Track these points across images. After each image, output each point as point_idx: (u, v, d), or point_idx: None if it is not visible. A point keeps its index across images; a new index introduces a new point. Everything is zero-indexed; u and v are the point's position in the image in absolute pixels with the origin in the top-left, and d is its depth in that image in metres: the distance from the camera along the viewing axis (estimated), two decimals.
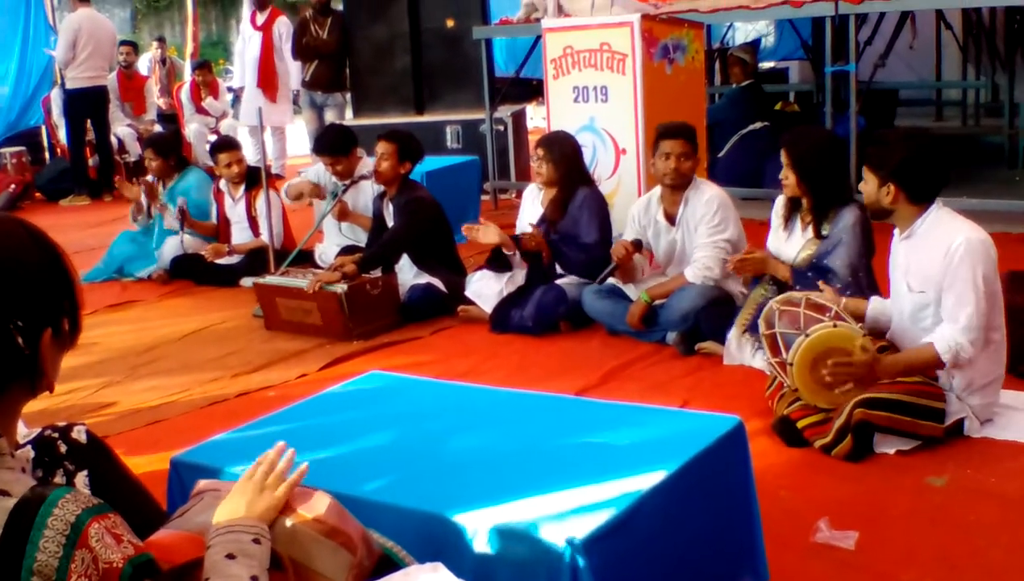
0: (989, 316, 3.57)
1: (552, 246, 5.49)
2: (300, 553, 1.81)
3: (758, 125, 8.41)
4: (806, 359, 3.60)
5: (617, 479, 2.31)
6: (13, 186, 11.13)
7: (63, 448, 2.10)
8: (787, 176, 4.43)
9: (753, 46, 10.17)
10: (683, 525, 2.41)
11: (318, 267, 6.15)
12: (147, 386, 4.96)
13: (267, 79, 10.90)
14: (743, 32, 15.13)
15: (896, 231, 3.81)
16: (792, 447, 3.69)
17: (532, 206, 5.78)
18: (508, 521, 2.18)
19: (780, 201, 4.64)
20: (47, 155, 12.41)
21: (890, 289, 3.93)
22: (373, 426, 2.82)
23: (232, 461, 2.57)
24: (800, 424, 3.69)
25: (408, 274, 5.90)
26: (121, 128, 11.71)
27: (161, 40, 14.35)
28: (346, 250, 6.18)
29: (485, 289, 5.65)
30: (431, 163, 7.20)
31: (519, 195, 8.65)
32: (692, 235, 5.05)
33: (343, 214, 6.42)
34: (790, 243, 4.53)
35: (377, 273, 5.69)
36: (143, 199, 7.37)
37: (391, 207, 5.92)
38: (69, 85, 10.79)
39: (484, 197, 8.76)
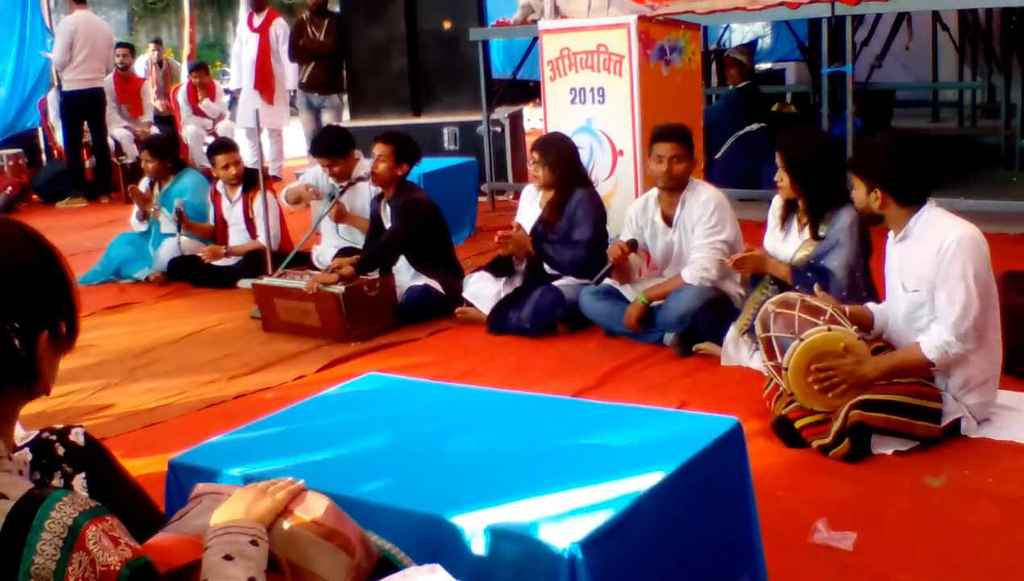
0: (983, 314, 3.57)
1: (540, 249, 5.48)
2: (298, 555, 1.81)
3: (755, 126, 8.42)
4: (801, 363, 3.60)
5: (615, 480, 2.30)
6: (10, 188, 11.12)
7: (61, 450, 2.10)
8: (782, 178, 4.43)
9: (750, 47, 10.17)
10: (681, 526, 2.41)
11: (315, 269, 6.14)
12: (145, 388, 4.96)
13: (264, 81, 10.90)
14: (740, 33, 15.13)
15: (891, 233, 3.82)
16: (790, 448, 3.69)
17: (530, 208, 5.79)
18: (506, 522, 2.18)
19: (777, 201, 4.64)
20: (44, 157, 12.39)
21: (886, 291, 3.93)
22: (371, 428, 2.82)
23: (230, 463, 2.57)
24: (798, 425, 3.69)
25: (406, 276, 5.90)
26: (118, 130, 11.70)
27: (158, 42, 14.34)
28: (343, 252, 6.18)
29: (483, 290, 5.65)
30: (428, 165, 7.20)
31: (516, 196, 8.64)
32: (689, 236, 5.05)
33: (340, 216, 6.42)
34: (786, 244, 4.54)
35: (375, 275, 5.69)
36: (135, 212, 7.39)
37: (388, 209, 5.92)
38: (66, 87, 10.79)
39: (481, 198, 8.76)
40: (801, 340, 3.61)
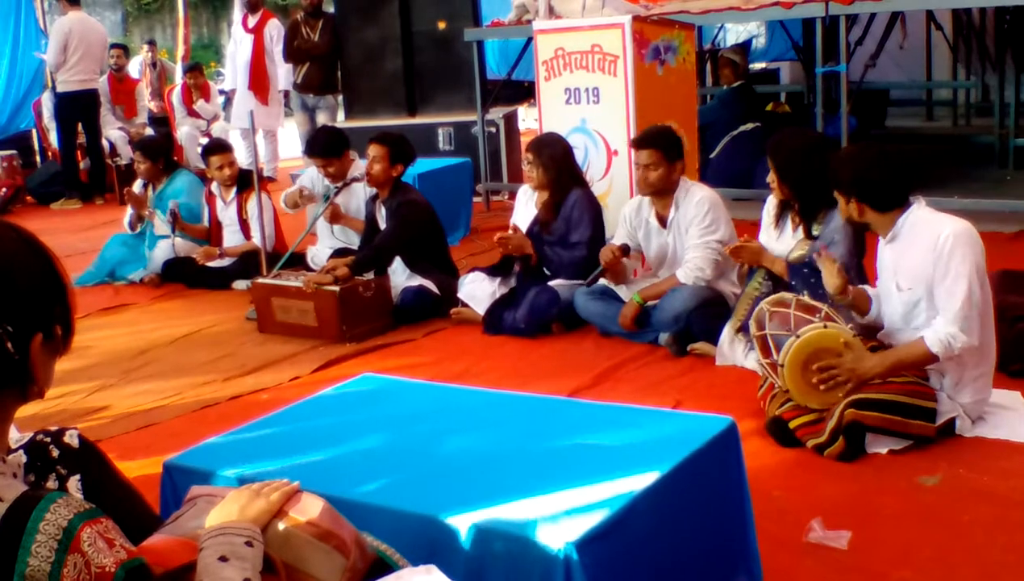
0: (980, 307, 3.57)
1: (544, 251, 5.50)
2: (293, 556, 1.81)
3: (749, 126, 8.42)
4: (797, 360, 3.60)
5: (610, 480, 2.31)
6: (4, 190, 11.11)
7: (55, 452, 2.10)
8: (773, 179, 4.44)
9: (744, 47, 10.20)
10: (676, 526, 2.41)
11: (310, 270, 6.14)
12: (140, 390, 4.95)
13: (258, 82, 10.89)
14: (734, 33, 15.17)
15: (880, 237, 3.82)
16: (785, 447, 3.69)
17: (525, 208, 5.79)
18: (501, 523, 2.18)
19: (771, 201, 4.65)
20: (38, 158, 12.40)
21: (880, 292, 3.93)
22: (366, 429, 2.82)
23: (225, 464, 2.57)
24: (792, 424, 3.70)
25: (401, 276, 5.90)
26: (112, 131, 11.69)
27: (152, 43, 14.32)
28: (338, 253, 6.18)
29: (478, 291, 5.66)
30: (423, 165, 7.20)
31: (511, 197, 8.64)
32: (684, 237, 5.05)
33: (335, 217, 6.42)
34: (781, 242, 4.54)
35: (370, 276, 5.69)
36: (128, 213, 7.38)
37: (383, 209, 5.92)
38: (60, 88, 10.78)
39: (476, 199, 8.76)
40: (797, 337, 3.62)
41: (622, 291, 5.26)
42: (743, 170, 8.07)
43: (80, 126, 11.07)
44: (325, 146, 6.34)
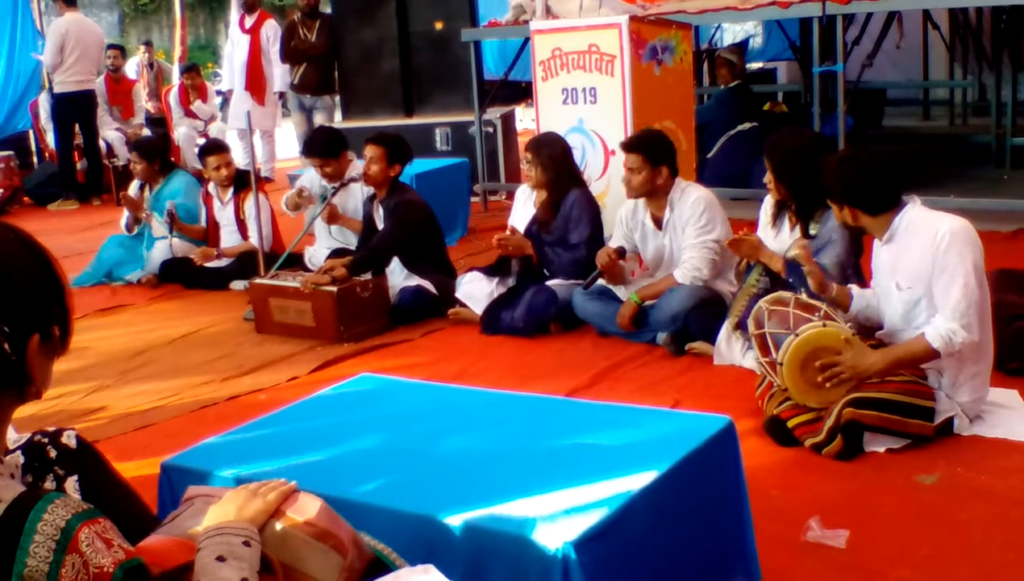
0: (978, 304, 3.57)
1: (542, 251, 5.50)
2: (290, 556, 1.81)
3: (746, 126, 8.43)
4: (796, 358, 3.61)
5: (608, 480, 2.31)
6: (1, 191, 11.10)
7: (53, 453, 2.10)
8: (771, 180, 4.45)
9: (741, 47, 10.20)
10: (674, 525, 2.41)
11: (308, 270, 6.14)
12: (137, 390, 4.95)
13: (255, 82, 10.88)
14: (731, 33, 15.17)
15: (876, 238, 3.83)
16: (783, 446, 3.69)
17: (524, 208, 5.79)
18: (499, 523, 2.18)
19: (768, 201, 4.65)
20: (35, 159, 12.38)
21: (878, 292, 3.94)
22: (364, 429, 2.82)
23: (223, 465, 2.56)
24: (790, 423, 3.70)
25: (398, 277, 5.90)
26: (109, 132, 11.69)
27: (149, 44, 14.33)
28: (336, 253, 6.17)
29: (476, 290, 5.66)
30: (420, 165, 7.19)
31: (509, 197, 8.65)
32: (680, 238, 5.05)
33: (332, 217, 6.42)
34: (778, 242, 4.54)
35: (367, 276, 5.69)
36: (125, 215, 7.38)
37: (381, 210, 5.92)
38: (57, 89, 10.77)
39: (474, 199, 8.76)
40: (796, 335, 3.62)
41: (620, 291, 5.26)
42: (740, 170, 8.09)
43: (77, 127, 11.05)
44: (323, 146, 6.34)
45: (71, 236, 9.10)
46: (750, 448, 3.44)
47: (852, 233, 4.31)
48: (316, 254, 6.56)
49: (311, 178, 6.72)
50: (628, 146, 5.09)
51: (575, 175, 5.67)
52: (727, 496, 2.65)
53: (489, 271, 5.75)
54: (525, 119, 13.04)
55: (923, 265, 3.59)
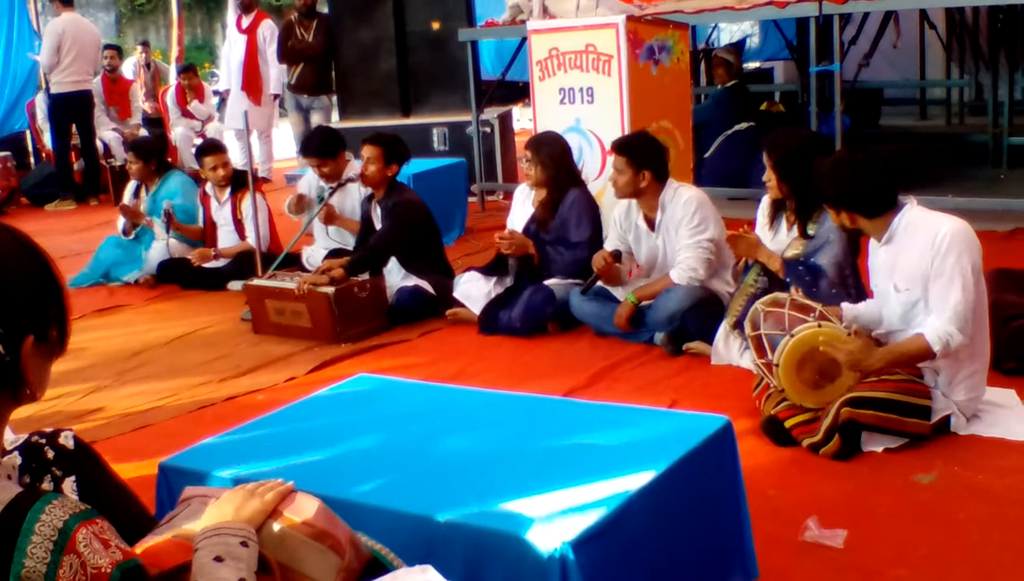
0: (975, 305, 3.58)
1: (541, 250, 5.50)
2: (288, 556, 1.81)
3: (743, 125, 8.43)
4: (792, 360, 3.61)
5: (606, 480, 2.31)
6: None
7: (50, 454, 2.09)
8: (770, 178, 4.44)
9: (738, 47, 10.19)
10: (672, 525, 2.41)
11: (305, 270, 6.13)
12: (135, 391, 4.94)
13: (252, 83, 10.87)
14: (728, 33, 15.18)
15: (873, 239, 3.83)
16: (780, 446, 3.70)
17: (522, 207, 5.79)
18: (497, 523, 2.18)
19: (765, 201, 4.66)
20: (32, 160, 12.36)
21: (875, 293, 3.94)
22: (362, 429, 2.82)
23: (221, 465, 2.56)
24: (788, 423, 3.70)
25: (396, 277, 5.89)
26: (106, 132, 11.68)
27: (146, 44, 14.30)
28: (333, 253, 6.17)
29: (473, 290, 5.65)
30: (417, 165, 7.20)
31: (506, 197, 8.66)
32: (674, 239, 5.05)
33: (330, 218, 6.42)
34: (776, 242, 4.55)
35: (365, 276, 5.69)
36: (121, 220, 7.38)
37: (379, 210, 5.92)
38: (54, 90, 10.75)
39: (471, 199, 8.76)
40: (792, 336, 3.62)
41: (617, 292, 5.26)
42: (738, 169, 8.09)
43: (74, 127, 11.04)
44: (320, 146, 6.33)
45: (68, 236, 9.09)
46: (748, 448, 3.44)
47: (850, 234, 4.32)
48: (314, 254, 6.55)
49: (309, 180, 6.71)
50: (615, 147, 5.13)
51: (574, 174, 5.67)
52: (725, 496, 2.66)
53: (487, 271, 5.75)
54: (522, 119, 13.04)
55: (922, 266, 3.58)
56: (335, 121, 10.23)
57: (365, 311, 5.57)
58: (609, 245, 5.29)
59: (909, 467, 3.47)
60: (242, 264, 6.67)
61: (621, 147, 5.09)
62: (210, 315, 6.22)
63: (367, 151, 5.81)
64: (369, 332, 5.54)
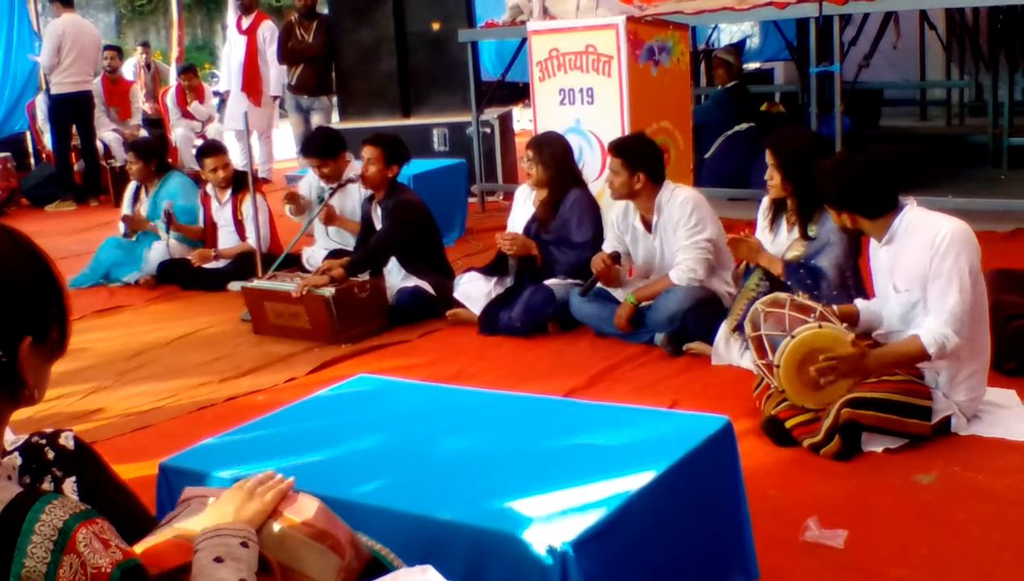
0: (974, 308, 3.58)
1: (543, 250, 5.50)
2: (288, 556, 1.81)
3: (743, 126, 8.44)
4: (792, 360, 3.60)
5: (606, 480, 2.31)
6: None
7: (51, 454, 2.09)
8: (772, 177, 4.44)
9: (738, 47, 10.19)
10: (673, 525, 2.41)
11: (305, 271, 6.14)
12: (135, 391, 4.94)
13: (252, 84, 10.87)
14: (728, 33, 15.18)
15: (874, 239, 3.83)
16: (781, 447, 3.70)
17: (523, 207, 5.79)
18: (498, 523, 2.18)
19: (766, 202, 4.65)
20: (32, 161, 12.36)
21: (875, 293, 3.94)
22: (362, 429, 2.82)
23: (221, 465, 2.56)
24: (788, 424, 3.70)
25: (396, 277, 5.89)
26: (107, 133, 11.68)
27: (146, 45, 14.31)
28: (334, 254, 6.17)
29: (473, 291, 5.65)
30: (417, 166, 7.20)
31: (507, 197, 8.66)
32: (671, 240, 5.05)
33: (330, 218, 6.42)
34: (776, 244, 4.54)
35: (365, 276, 5.69)
36: (121, 226, 7.39)
37: (379, 210, 5.92)
38: (54, 90, 10.76)
39: (471, 200, 8.76)
40: (792, 337, 3.62)
41: (617, 292, 5.26)
42: (738, 170, 8.09)
43: (74, 128, 11.04)
44: (321, 147, 6.33)
45: (68, 237, 9.09)
46: (748, 448, 3.44)
47: (851, 234, 4.31)
48: (314, 255, 6.55)
49: (310, 181, 6.71)
50: (611, 149, 5.14)
51: (576, 174, 5.68)
52: (725, 496, 2.65)
53: (487, 271, 5.75)
54: (522, 120, 13.05)
55: (921, 266, 3.58)
56: (335, 122, 10.23)
57: (365, 311, 5.57)
58: (607, 246, 5.29)
59: (909, 467, 3.47)
60: (242, 265, 6.67)
61: (617, 149, 5.09)
62: (210, 316, 6.22)
63: (367, 152, 5.81)
64: (369, 332, 5.54)
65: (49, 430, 2.16)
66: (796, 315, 3.71)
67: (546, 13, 8.25)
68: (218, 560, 1.67)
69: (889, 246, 3.73)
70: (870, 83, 10.68)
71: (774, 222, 4.59)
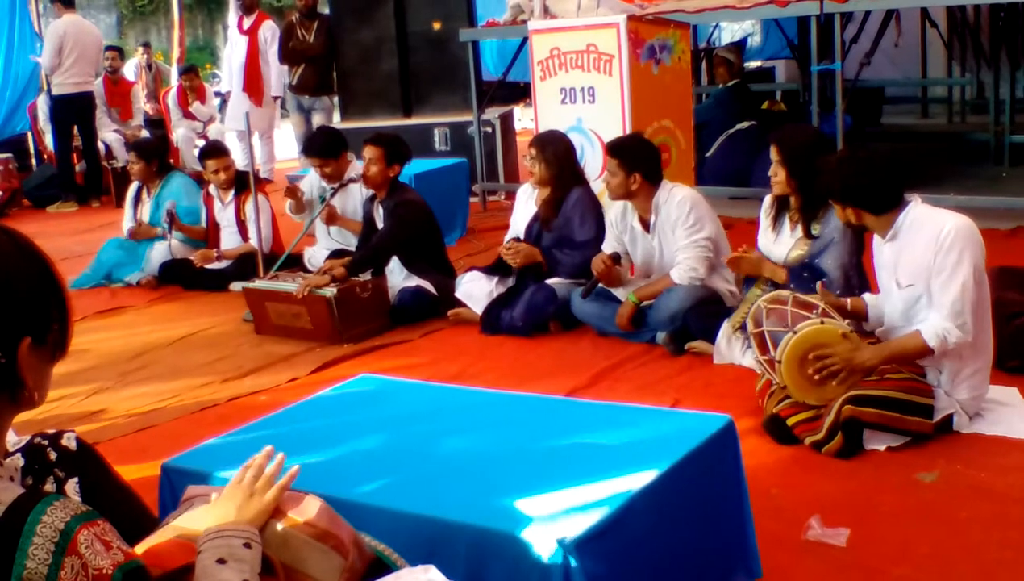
0: (977, 305, 3.57)
1: (546, 255, 5.49)
2: (291, 557, 1.81)
3: (745, 124, 8.43)
4: (794, 356, 3.61)
5: (608, 479, 2.31)
6: (0, 193, 11.10)
7: (53, 455, 2.09)
8: (777, 173, 4.43)
9: (739, 46, 10.19)
10: (675, 524, 2.41)
11: (307, 271, 6.14)
12: (137, 392, 4.94)
13: (253, 84, 10.88)
14: (729, 32, 15.18)
15: (877, 235, 3.83)
16: (783, 445, 3.69)
17: (525, 207, 5.79)
18: (500, 523, 2.18)
19: (768, 200, 4.65)
20: (34, 161, 12.38)
21: (879, 289, 3.94)
22: (364, 429, 2.82)
23: (223, 466, 2.56)
24: (790, 422, 3.70)
25: (398, 277, 5.89)
26: (108, 134, 11.69)
27: (147, 45, 14.32)
28: (335, 254, 6.17)
29: (475, 290, 5.65)
30: (419, 165, 7.20)
31: (508, 197, 8.66)
32: (670, 239, 5.05)
33: (331, 218, 6.42)
34: (779, 243, 4.54)
35: (367, 276, 5.69)
36: (126, 223, 7.40)
37: (381, 210, 5.92)
38: (55, 91, 10.76)
39: (473, 199, 8.76)
40: (794, 333, 3.62)
41: (618, 292, 5.26)
42: (739, 168, 8.09)
43: (76, 129, 11.05)
44: (323, 146, 6.34)
45: (70, 238, 9.09)
46: (750, 447, 3.44)
47: (854, 233, 4.31)
48: (316, 255, 6.56)
49: (311, 181, 6.71)
50: (608, 149, 5.15)
51: (578, 173, 5.67)
52: (727, 495, 2.65)
53: (489, 270, 5.75)
54: (524, 119, 13.05)
55: (924, 262, 3.58)
56: (336, 122, 10.23)
57: (367, 311, 5.57)
58: (606, 247, 5.29)
59: (911, 465, 3.47)
60: (244, 265, 6.67)
61: (613, 149, 5.10)
62: (212, 316, 6.22)
63: (368, 152, 5.81)
64: (371, 332, 5.54)
65: (51, 431, 2.16)
66: (798, 311, 3.71)
67: (547, 12, 8.25)
68: (221, 561, 1.67)
69: (893, 242, 3.73)
70: (871, 81, 10.68)
71: (777, 220, 4.58)
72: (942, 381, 3.67)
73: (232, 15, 13.81)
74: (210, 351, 5.53)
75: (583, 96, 6.27)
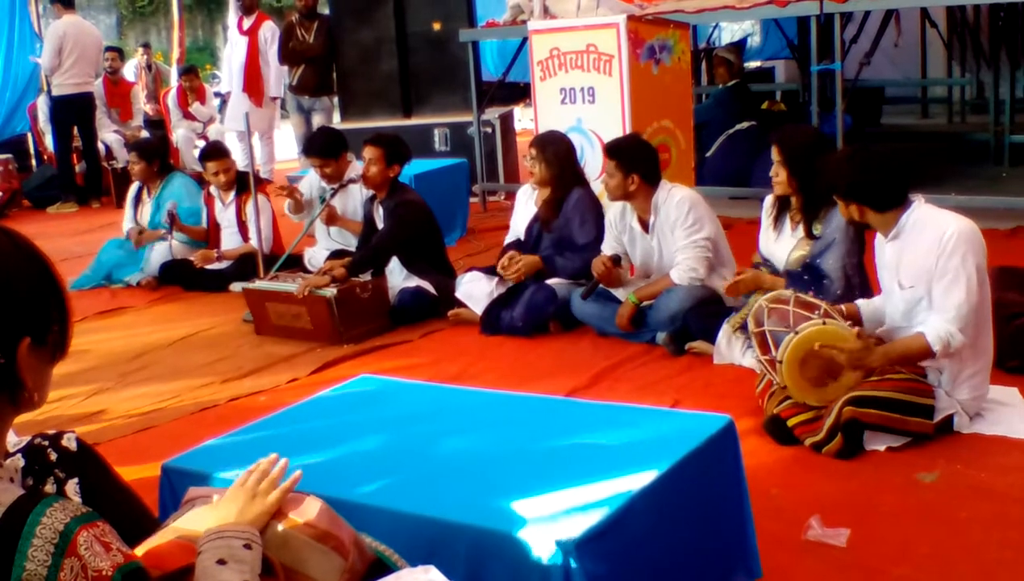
0: (978, 307, 3.57)
1: (551, 262, 5.49)
2: (292, 558, 1.81)
3: (745, 125, 8.43)
4: (795, 356, 3.61)
5: (608, 480, 2.31)
6: (0, 194, 11.10)
7: (53, 456, 2.09)
8: (778, 173, 4.43)
9: (739, 46, 10.19)
10: (675, 524, 2.41)
11: (307, 271, 6.13)
12: (137, 393, 4.94)
13: (253, 84, 10.88)
14: (729, 32, 15.19)
15: (880, 235, 3.83)
16: (783, 445, 3.69)
17: (526, 207, 5.79)
18: (500, 523, 2.18)
19: (769, 200, 4.64)
20: (34, 162, 12.38)
21: (881, 288, 3.94)
22: (364, 430, 2.82)
23: (224, 466, 2.56)
24: (790, 422, 3.70)
25: (398, 277, 5.89)
26: (108, 134, 11.69)
27: (147, 46, 14.31)
28: (335, 254, 6.17)
29: (475, 290, 5.65)
30: (419, 166, 7.20)
31: (508, 197, 8.66)
32: (669, 240, 5.05)
33: (331, 218, 6.42)
34: (780, 243, 4.54)
35: (367, 277, 5.69)
36: (127, 224, 7.40)
37: (381, 210, 5.92)
38: (55, 92, 10.76)
39: (473, 199, 8.76)
40: (796, 333, 3.62)
41: (618, 292, 5.26)
42: (739, 169, 8.09)
43: (76, 129, 11.05)
44: (323, 147, 6.34)
45: (70, 239, 9.10)
46: (750, 447, 3.44)
47: (855, 233, 4.31)
48: (316, 255, 6.56)
49: (311, 181, 6.71)
50: (606, 150, 5.15)
51: (578, 174, 5.67)
52: (727, 495, 2.65)
53: (489, 271, 5.75)
54: (524, 119, 13.05)
55: (926, 265, 3.58)
56: (336, 122, 10.23)
57: (367, 312, 5.57)
58: (606, 247, 5.29)
59: (912, 466, 3.46)
60: (244, 265, 6.67)
61: (610, 150, 5.09)
62: (212, 317, 6.22)
63: (368, 152, 5.81)
64: (371, 333, 5.54)
65: (51, 432, 2.16)
66: (800, 312, 3.71)
67: (547, 12, 8.25)
68: (221, 562, 1.67)
69: (895, 242, 3.72)
70: (871, 81, 10.68)
71: (778, 221, 4.58)
72: (943, 381, 3.67)
73: (232, 16, 13.80)
74: (210, 352, 5.53)
75: (583, 96, 6.27)
